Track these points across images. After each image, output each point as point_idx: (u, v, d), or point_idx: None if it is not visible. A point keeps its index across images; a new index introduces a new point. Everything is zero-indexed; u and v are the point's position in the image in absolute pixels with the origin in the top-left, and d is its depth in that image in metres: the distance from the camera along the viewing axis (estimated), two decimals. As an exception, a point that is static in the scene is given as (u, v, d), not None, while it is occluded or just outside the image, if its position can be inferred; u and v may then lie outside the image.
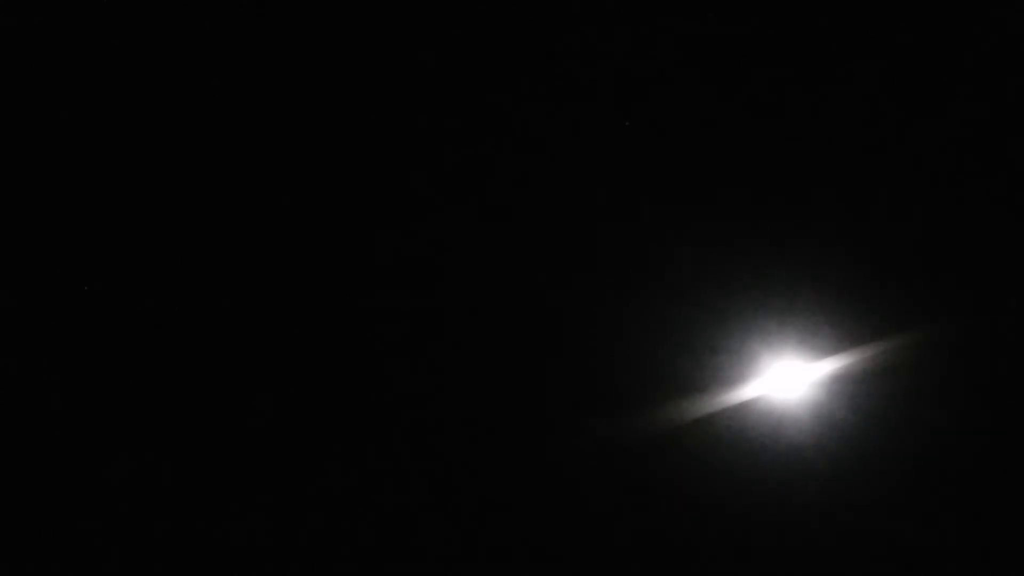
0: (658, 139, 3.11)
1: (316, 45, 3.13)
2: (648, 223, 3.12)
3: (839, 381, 3.00)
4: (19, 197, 3.12)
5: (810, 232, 3.05)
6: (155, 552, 3.05)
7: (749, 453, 3.02)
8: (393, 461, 3.14)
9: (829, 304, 3.01)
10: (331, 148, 3.16)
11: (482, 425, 3.13)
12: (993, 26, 2.99)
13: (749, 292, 3.05)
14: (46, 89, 3.12)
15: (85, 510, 3.07)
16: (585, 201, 3.13)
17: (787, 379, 3.04)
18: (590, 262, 3.13)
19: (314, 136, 3.16)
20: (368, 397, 3.14)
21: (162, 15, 3.10)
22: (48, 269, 3.11)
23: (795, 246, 3.05)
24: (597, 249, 3.14)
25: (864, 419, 2.98)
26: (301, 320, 3.15)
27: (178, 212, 3.15)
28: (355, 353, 3.16)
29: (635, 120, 3.10)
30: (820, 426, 3.01)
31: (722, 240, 3.08)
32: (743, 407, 3.02)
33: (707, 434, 3.01)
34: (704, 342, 3.05)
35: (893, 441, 2.98)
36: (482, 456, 3.11)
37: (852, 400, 2.99)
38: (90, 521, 3.06)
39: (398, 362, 3.17)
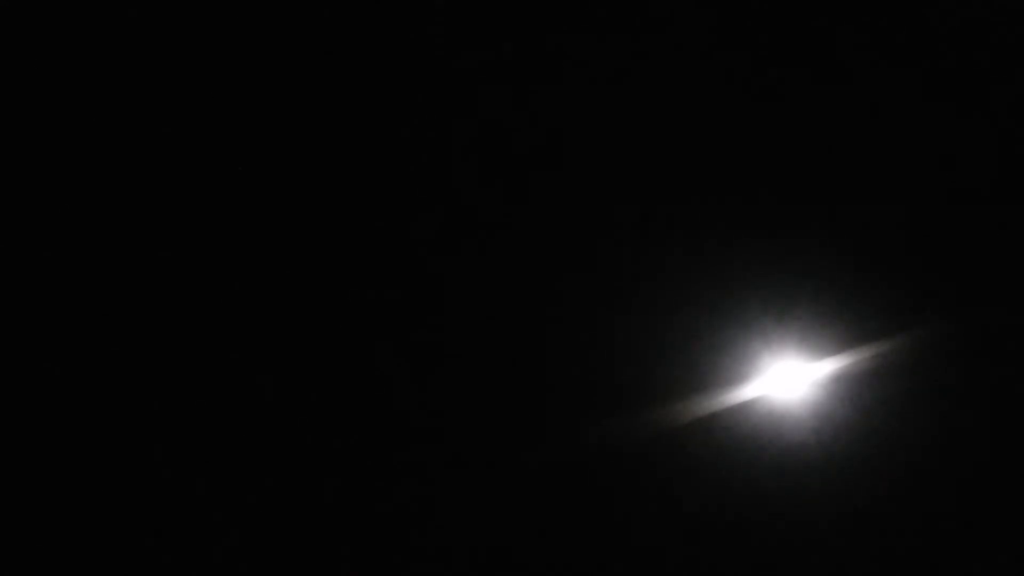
0: (657, 139, 3.11)
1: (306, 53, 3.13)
2: (648, 223, 3.11)
3: (839, 381, 3.00)
4: (19, 197, 3.12)
5: (810, 232, 3.05)
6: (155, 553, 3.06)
7: (749, 453, 3.02)
8: (392, 462, 3.14)
9: (829, 304, 3.01)
10: (326, 150, 3.16)
11: (481, 425, 3.13)
12: (993, 25, 2.99)
13: (749, 292, 3.05)
14: (45, 89, 3.12)
15: (85, 510, 3.07)
16: (585, 201, 3.13)
17: (787, 379, 3.04)
18: (590, 262, 3.13)
19: (310, 138, 3.16)
20: (366, 398, 3.14)
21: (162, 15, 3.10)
22: (47, 269, 3.11)
23: (795, 246, 3.05)
24: (597, 249, 3.13)
25: (864, 419, 2.99)
26: (298, 321, 3.15)
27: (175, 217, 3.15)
28: (353, 354, 3.16)
29: (635, 120, 3.10)
30: (820, 426, 3.01)
31: (722, 240, 3.07)
32: (743, 407, 3.03)
33: (707, 434, 3.01)
34: (704, 342, 3.05)
35: (893, 441, 2.99)
36: (481, 457, 3.11)
37: (852, 400, 2.99)
38: (90, 522, 3.07)
39: (396, 363, 3.17)
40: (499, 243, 3.16)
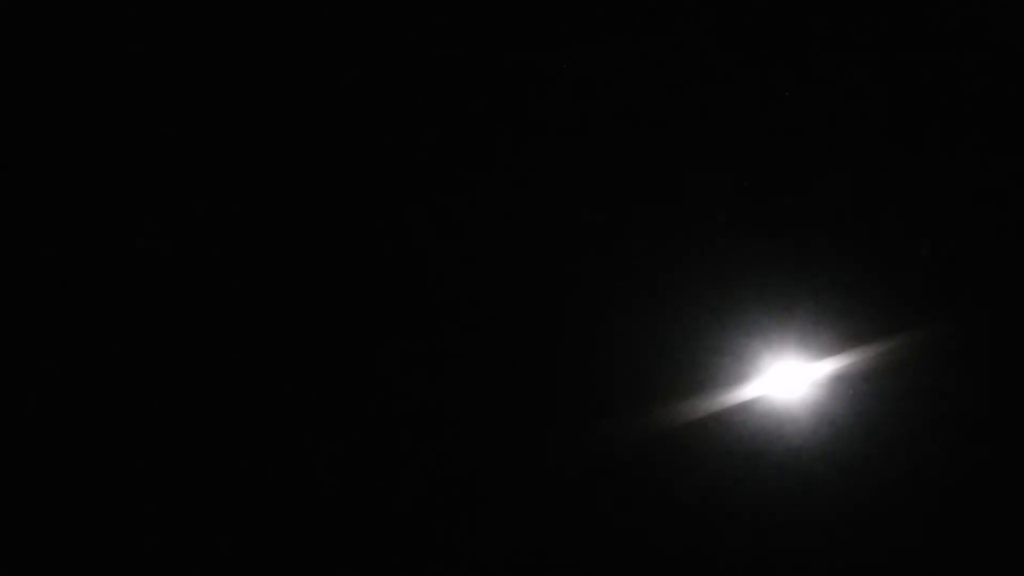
0: (656, 138, 3.11)
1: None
2: (647, 223, 3.11)
3: (839, 381, 3.00)
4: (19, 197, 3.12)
5: (810, 232, 3.05)
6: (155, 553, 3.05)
7: (749, 453, 3.02)
8: (392, 462, 3.14)
9: (829, 304, 3.01)
10: (325, 149, 3.16)
11: (481, 425, 3.12)
12: (993, 24, 2.99)
13: (749, 292, 3.04)
14: (45, 89, 3.12)
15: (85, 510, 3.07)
16: (585, 201, 3.13)
17: (787, 379, 3.03)
18: (589, 262, 3.13)
19: (309, 138, 3.16)
20: (366, 399, 3.14)
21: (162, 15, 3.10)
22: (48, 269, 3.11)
23: (795, 246, 3.05)
24: (596, 249, 3.13)
25: (865, 419, 2.98)
26: (296, 321, 3.15)
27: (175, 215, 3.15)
28: (353, 356, 3.16)
29: (635, 120, 3.10)
30: (820, 426, 3.01)
31: (722, 240, 3.07)
32: (743, 407, 3.02)
33: (707, 435, 3.01)
34: (704, 342, 3.05)
35: (894, 441, 2.98)
36: (481, 456, 3.11)
37: (853, 400, 2.99)
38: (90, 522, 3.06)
39: (395, 363, 3.17)
40: (498, 243, 3.15)
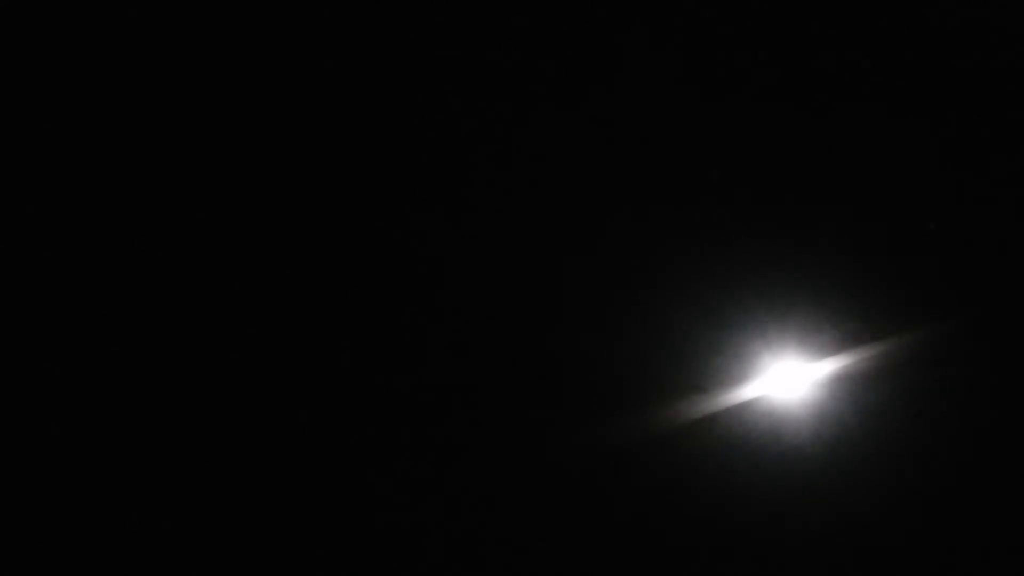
0: (656, 138, 3.11)
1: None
2: (648, 223, 3.12)
3: (839, 381, 3.00)
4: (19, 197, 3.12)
5: (810, 232, 3.05)
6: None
7: (749, 453, 3.02)
8: (391, 461, 3.14)
9: (829, 304, 3.01)
10: (325, 149, 3.17)
11: (481, 425, 3.12)
12: (992, 25, 3.00)
13: (749, 292, 3.05)
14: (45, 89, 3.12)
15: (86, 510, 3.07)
16: (585, 201, 3.13)
17: (787, 379, 3.04)
18: (589, 262, 3.13)
19: (309, 138, 3.16)
20: (365, 398, 3.14)
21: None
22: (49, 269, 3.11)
23: (795, 246, 3.05)
24: (596, 249, 3.13)
25: (865, 419, 2.99)
26: (294, 322, 3.15)
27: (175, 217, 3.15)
28: (352, 356, 3.16)
29: (631, 120, 3.10)
30: (820, 426, 3.01)
31: (722, 240, 3.07)
32: (743, 407, 3.02)
33: (707, 434, 3.01)
34: (704, 342, 3.05)
35: (894, 441, 2.99)
36: (480, 456, 3.11)
37: (852, 400, 2.99)
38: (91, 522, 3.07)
39: (395, 362, 3.17)
40: (498, 243, 3.16)
